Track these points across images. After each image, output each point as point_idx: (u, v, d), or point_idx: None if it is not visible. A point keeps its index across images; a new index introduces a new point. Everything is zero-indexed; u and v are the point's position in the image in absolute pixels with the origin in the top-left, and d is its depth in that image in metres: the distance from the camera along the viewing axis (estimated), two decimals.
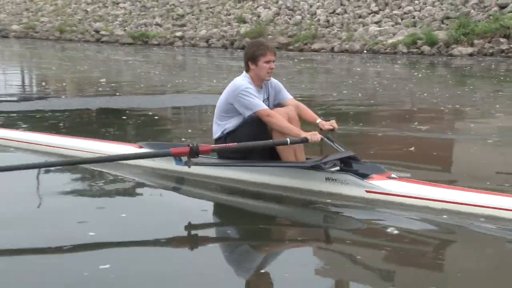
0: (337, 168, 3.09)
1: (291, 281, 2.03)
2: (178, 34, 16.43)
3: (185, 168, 3.12)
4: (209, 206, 3.11)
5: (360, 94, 7.22)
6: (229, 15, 17.22)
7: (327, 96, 7.14)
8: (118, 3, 20.56)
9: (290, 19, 15.63)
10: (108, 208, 2.85)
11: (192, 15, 18.14)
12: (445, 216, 2.68)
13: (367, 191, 2.97)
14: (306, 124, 3.25)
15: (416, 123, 4.95)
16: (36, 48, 16.22)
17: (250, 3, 17.47)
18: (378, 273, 2.20)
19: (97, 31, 18.04)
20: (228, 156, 3.27)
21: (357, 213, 2.83)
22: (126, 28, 17.99)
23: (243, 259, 2.45)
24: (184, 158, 2.99)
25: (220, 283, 2.08)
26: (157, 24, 17.73)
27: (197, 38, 15.93)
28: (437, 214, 2.70)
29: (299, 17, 15.45)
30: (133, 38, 16.76)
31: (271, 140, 3.12)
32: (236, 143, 3.07)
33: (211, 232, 2.80)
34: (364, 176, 3.02)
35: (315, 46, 13.76)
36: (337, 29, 14.54)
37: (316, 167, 3.07)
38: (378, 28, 13.95)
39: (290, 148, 3.12)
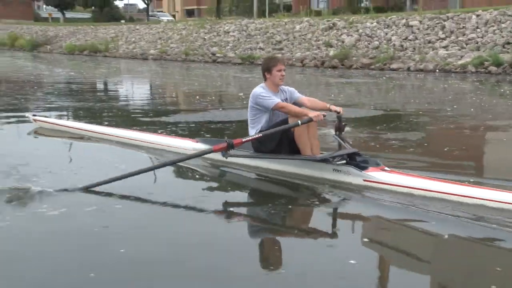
0: (344, 161, 3.72)
1: (303, 247, 2.72)
2: (278, 55, 19.92)
3: (231, 159, 3.91)
4: (244, 188, 3.96)
5: (472, 109, 8.37)
6: (318, 41, 20.32)
7: (442, 110, 8.20)
8: (228, 32, 24.81)
9: (369, 44, 18.34)
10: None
11: (288, 41, 21.51)
12: (423, 201, 3.29)
13: (364, 180, 3.60)
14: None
15: None
16: (168, 67, 20.21)
17: (335, 31, 20.56)
18: (369, 243, 2.81)
19: (213, 54, 22.34)
20: (262, 150, 3.91)
21: (355, 198, 3.49)
22: (236, 51, 22.07)
23: (264, 231, 3.08)
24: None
25: (247, 251, 2.64)
26: (260, 48, 21.55)
27: (294, 59, 19.06)
28: (418, 200, 3.34)
29: (376, 42, 18.15)
30: (242, 59, 20.43)
31: (285, 125, 3.74)
32: (260, 133, 3.80)
33: (243, 210, 3.55)
34: (363, 168, 3.63)
35: (394, 66, 16.11)
36: (410, 52, 17.03)
37: (325, 160, 3.73)
38: (447, 52, 16.11)
39: (307, 146, 3.76)
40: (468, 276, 2.46)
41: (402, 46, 17.49)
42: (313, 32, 21.17)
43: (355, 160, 3.73)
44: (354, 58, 17.36)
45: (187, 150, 4.37)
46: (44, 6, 56.88)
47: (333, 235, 3.06)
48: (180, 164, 4.08)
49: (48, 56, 28.75)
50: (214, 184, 4.02)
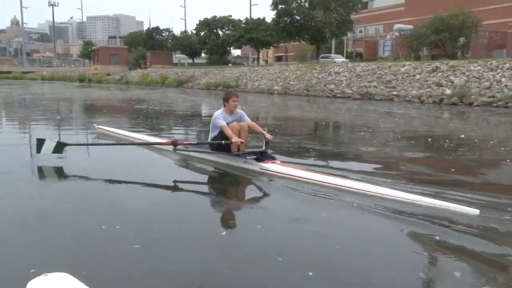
0: (254, 156, 4.99)
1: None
2: (395, 92, 20.91)
3: (193, 153, 5.54)
4: (193, 170, 5.28)
5: None
6: (427, 80, 21.04)
7: None
8: (339, 72, 26.69)
9: (479, 84, 18.75)
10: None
11: (397, 80, 22.54)
12: (302, 187, 4.27)
13: (260, 169, 4.87)
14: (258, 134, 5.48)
15: None
16: (292, 99, 21.90)
17: (441, 73, 21.41)
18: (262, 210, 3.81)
19: (331, 90, 24.28)
20: (213, 148, 5.30)
21: (255, 180, 4.66)
22: (352, 88, 23.66)
23: (209, 202, 4.22)
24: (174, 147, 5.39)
25: (197, 219, 3.42)
26: (374, 86, 22.93)
27: (410, 96, 19.80)
28: (299, 185, 4.34)
29: (487, 83, 18.58)
30: (360, 95, 21.67)
31: (219, 140, 5.11)
32: (195, 141, 5.67)
33: (194, 187, 4.63)
34: (260, 160, 4.92)
35: None
36: None
37: (239, 156, 5.05)
38: None
39: (235, 146, 5.03)
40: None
41: None
42: (419, 73, 22.08)
43: (264, 157, 4.99)
44: (472, 96, 17.72)
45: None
46: (176, 55, 64.32)
47: (238, 201, 4.21)
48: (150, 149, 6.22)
49: (190, 90, 32.86)
50: (179, 167, 5.50)
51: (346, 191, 4.11)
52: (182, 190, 4.57)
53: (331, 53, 39.03)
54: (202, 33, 54.64)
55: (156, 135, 7.82)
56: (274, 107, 18.49)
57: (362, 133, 9.25)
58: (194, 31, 56.04)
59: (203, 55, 64.26)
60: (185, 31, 59.27)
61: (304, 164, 5.29)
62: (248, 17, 45.30)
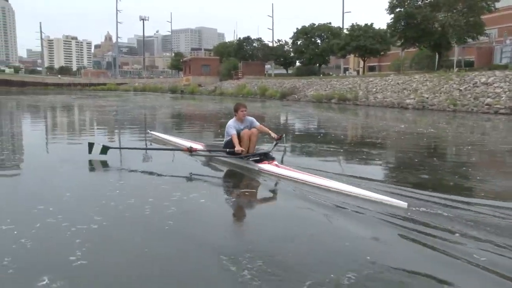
0: (257, 158, 6.02)
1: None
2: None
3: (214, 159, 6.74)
4: (209, 168, 6.41)
5: None
6: None
7: None
8: (488, 83, 22.19)
9: None
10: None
11: None
12: (295, 187, 5.04)
13: (259, 169, 5.82)
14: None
15: None
16: (439, 116, 18.49)
17: None
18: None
19: (488, 105, 19.94)
20: (223, 153, 6.46)
21: (252, 178, 5.70)
22: None
23: (224, 195, 4.98)
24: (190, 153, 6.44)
25: (214, 210, 4.23)
26: None
27: None
28: (296, 186, 5.09)
29: None
30: None
31: (228, 149, 6.28)
32: (208, 148, 6.94)
33: (202, 181, 5.61)
34: (259, 161, 5.93)
35: None
36: None
37: (244, 157, 6.10)
38: None
39: (244, 150, 6.13)
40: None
41: None
42: None
43: (266, 158, 6.02)
44: None
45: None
46: (269, 66, 63.09)
47: (239, 195, 4.93)
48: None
49: (296, 103, 30.30)
50: (199, 167, 6.54)
51: (327, 190, 4.84)
52: (195, 179, 5.68)
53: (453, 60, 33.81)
54: (299, 42, 52.26)
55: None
56: (439, 130, 14.15)
57: None
58: (290, 40, 53.78)
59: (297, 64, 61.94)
60: (279, 40, 57.43)
61: None
62: (354, 24, 41.66)
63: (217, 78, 58.48)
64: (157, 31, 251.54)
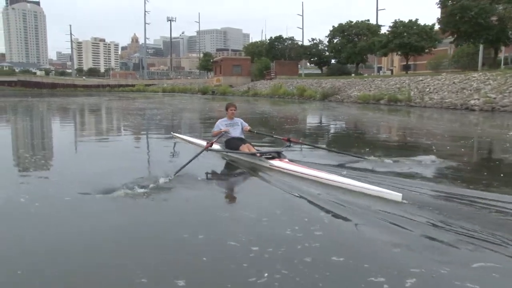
0: (270, 155, 6.58)
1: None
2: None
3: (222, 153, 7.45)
4: (223, 163, 7.12)
5: None
6: None
7: None
8: None
9: None
10: None
11: None
12: (299, 182, 5.54)
13: (270, 165, 6.35)
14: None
15: None
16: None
17: None
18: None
19: None
20: (229, 149, 7.23)
21: (264, 173, 6.20)
22: None
23: (234, 188, 5.90)
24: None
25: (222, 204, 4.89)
26: None
27: None
28: (302, 181, 5.57)
29: None
30: None
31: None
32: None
33: (218, 177, 6.49)
34: (271, 158, 6.47)
35: None
36: None
37: (254, 154, 6.82)
38: None
39: (245, 147, 7.07)
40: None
41: None
42: None
43: (278, 156, 6.52)
44: None
45: None
46: (302, 65, 61.29)
47: (254, 189, 5.58)
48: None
49: (340, 104, 28.44)
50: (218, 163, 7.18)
51: (331, 186, 5.14)
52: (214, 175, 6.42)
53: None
54: (335, 40, 50.18)
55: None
56: None
57: None
58: (326, 38, 51.70)
59: (331, 62, 59.81)
60: (313, 39, 55.48)
61: None
62: (397, 20, 39.26)
63: (248, 79, 57.10)
64: (183, 32, 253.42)
